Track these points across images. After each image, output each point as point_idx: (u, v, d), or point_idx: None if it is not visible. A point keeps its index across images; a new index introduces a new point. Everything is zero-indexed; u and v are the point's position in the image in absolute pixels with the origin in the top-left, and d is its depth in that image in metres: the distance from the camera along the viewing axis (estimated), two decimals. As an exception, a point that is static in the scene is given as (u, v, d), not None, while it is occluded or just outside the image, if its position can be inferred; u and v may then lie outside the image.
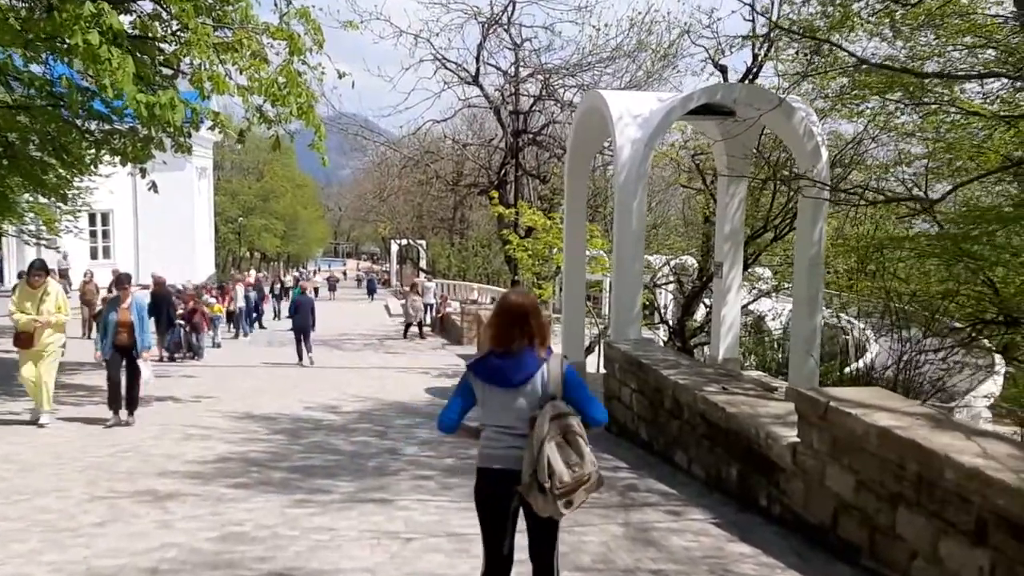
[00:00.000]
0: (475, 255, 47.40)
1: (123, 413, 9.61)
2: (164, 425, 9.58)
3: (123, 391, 9.65)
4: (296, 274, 54.04)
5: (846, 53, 11.41)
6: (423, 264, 53.36)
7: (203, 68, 9.60)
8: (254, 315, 26.52)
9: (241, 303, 23.68)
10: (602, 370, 9.93)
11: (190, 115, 10.40)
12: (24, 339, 9.30)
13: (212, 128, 11.48)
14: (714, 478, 6.85)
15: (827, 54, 11.95)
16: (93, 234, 34.01)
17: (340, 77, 11.32)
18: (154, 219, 34.73)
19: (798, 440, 5.59)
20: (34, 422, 9.39)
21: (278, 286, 32.14)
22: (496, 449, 3.68)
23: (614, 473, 7.33)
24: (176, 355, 17.05)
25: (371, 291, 51.49)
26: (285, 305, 28.01)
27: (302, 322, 17.53)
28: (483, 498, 3.73)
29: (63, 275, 27.41)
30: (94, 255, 33.78)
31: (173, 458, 7.74)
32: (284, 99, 9.90)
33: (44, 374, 9.39)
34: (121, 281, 10.12)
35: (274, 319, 28.59)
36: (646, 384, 8.28)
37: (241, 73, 9.93)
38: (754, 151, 12.58)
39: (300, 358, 17.39)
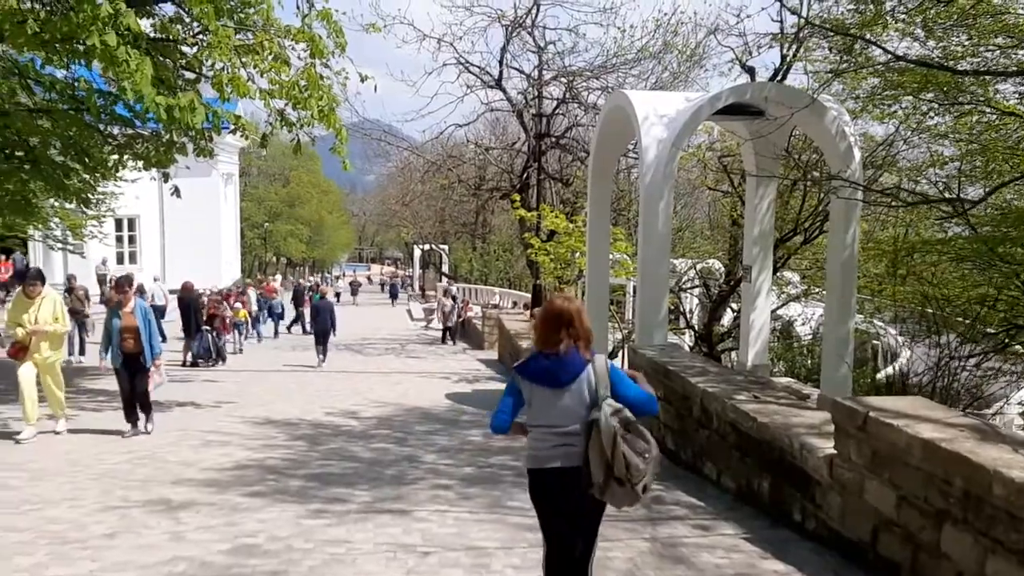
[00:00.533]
0: (497, 259, 47.23)
1: (141, 422, 9.35)
2: (183, 431, 9.45)
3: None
4: (313, 279, 53.84)
5: (879, 51, 11.12)
6: (445, 268, 53.36)
7: (224, 71, 9.51)
8: (281, 320, 26.34)
9: (254, 307, 23.51)
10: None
11: (211, 118, 10.35)
12: (18, 350, 8.88)
13: (233, 132, 11.40)
14: (745, 491, 6.59)
15: (859, 53, 11.70)
16: (120, 239, 34.24)
17: (362, 80, 11.21)
18: (180, 225, 34.92)
19: (835, 452, 5.33)
20: (46, 430, 9.02)
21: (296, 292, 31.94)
22: (544, 449, 3.86)
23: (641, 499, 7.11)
24: (200, 361, 16.94)
25: (393, 296, 52.00)
26: (304, 310, 27.92)
27: (322, 326, 18.14)
28: (538, 497, 3.94)
29: (102, 281, 27.50)
30: (120, 260, 34.01)
31: (190, 465, 7.59)
32: (305, 102, 9.79)
33: (51, 384, 9.02)
34: (120, 284, 9.47)
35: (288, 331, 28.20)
36: (673, 392, 8.02)
37: (262, 76, 9.82)
38: (784, 152, 12.30)
39: (321, 359, 18.03)
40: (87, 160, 12.63)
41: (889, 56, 9.63)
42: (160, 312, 18.27)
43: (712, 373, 8.08)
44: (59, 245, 23.51)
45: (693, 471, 7.56)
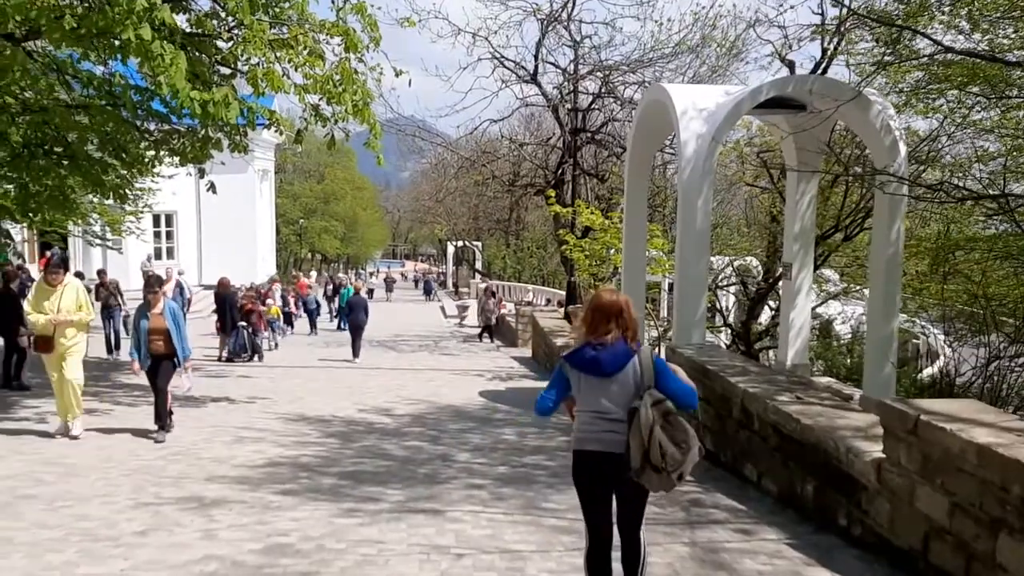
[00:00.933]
0: (530, 256, 47.04)
1: (155, 431, 8.74)
2: (217, 427, 9.41)
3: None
4: (342, 276, 53.47)
5: (924, 44, 10.84)
6: (479, 265, 53.29)
7: (259, 66, 9.48)
8: (317, 316, 26.16)
9: (278, 302, 23.34)
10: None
11: (245, 114, 10.35)
12: (43, 343, 8.53)
13: (268, 127, 11.36)
14: (787, 494, 6.41)
15: (903, 46, 11.45)
16: (157, 235, 34.54)
17: (397, 75, 11.16)
18: (216, 220, 35.19)
19: (883, 456, 5.14)
20: (64, 434, 8.55)
21: (330, 287, 31.34)
22: (591, 432, 4.04)
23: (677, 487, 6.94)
24: (235, 357, 16.94)
25: (428, 292, 52.80)
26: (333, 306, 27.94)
27: (356, 321, 18.50)
28: (581, 478, 4.12)
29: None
30: (158, 256, 34.29)
31: (222, 462, 7.54)
32: (339, 97, 9.71)
33: (69, 376, 8.47)
34: (151, 284, 9.09)
35: (330, 321, 28.31)
36: (712, 392, 7.84)
37: (296, 70, 9.77)
38: (826, 147, 12.03)
39: (355, 355, 18.26)
40: (124, 156, 12.68)
41: (937, 47, 9.32)
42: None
43: (753, 373, 7.89)
44: (97, 240, 23.74)
45: (733, 473, 7.38)
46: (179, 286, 19.11)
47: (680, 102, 10.47)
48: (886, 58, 10.80)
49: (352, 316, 18.78)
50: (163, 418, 8.80)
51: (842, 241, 16.60)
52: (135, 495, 6.34)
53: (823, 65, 15.19)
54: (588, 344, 4.07)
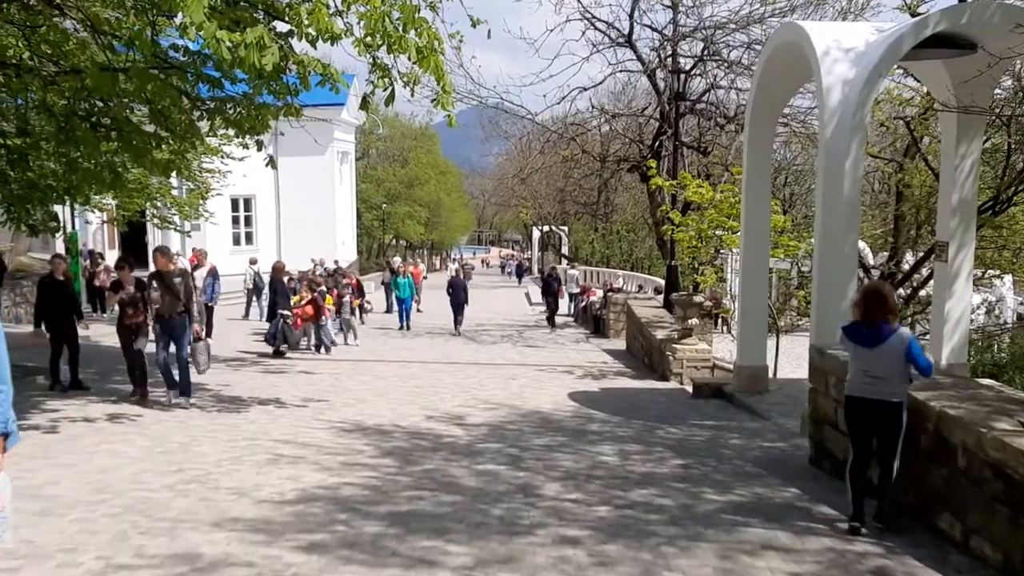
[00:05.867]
0: (620, 240, 44.75)
1: None
2: (253, 440, 7.77)
3: None
4: (397, 260, 50.39)
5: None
6: (564, 250, 51.53)
7: (302, 4, 7.97)
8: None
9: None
10: (808, 383, 7.49)
11: (294, 68, 8.92)
12: None
13: (322, 84, 9.85)
14: (1019, 566, 4.41)
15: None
16: (236, 220, 33.66)
17: (474, 25, 9.55)
18: (296, 204, 34.19)
19: None
20: None
21: (387, 274, 28.01)
22: (858, 384, 5.48)
23: (846, 544, 5.01)
24: (279, 348, 15.19)
25: (519, 275, 54.68)
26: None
27: (457, 300, 21.24)
28: (849, 416, 5.61)
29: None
30: (236, 241, 33.43)
31: (243, 495, 5.84)
32: (400, 41, 8.06)
33: None
34: None
35: (386, 312, 26.10)
36: (886, 410, 5.82)
37: (349, 8, 8.15)
38: (998, 98, 9.79)
39: (456, 327, 21.12)
40: (172, 127, 11.34)
41: None
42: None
43: (945, 387, 5.86)
44: (173, 227, 22.65)
45: (919, 522, 5.41)
46: (212, 275, 16.52)
47: (820, 41, 8.48)
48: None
49: (453, 296, 21.28)
50: None
51: (991, 215, 14.15)
52: (110, 550, 4.65)
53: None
54: (859, 322, 5.48)
